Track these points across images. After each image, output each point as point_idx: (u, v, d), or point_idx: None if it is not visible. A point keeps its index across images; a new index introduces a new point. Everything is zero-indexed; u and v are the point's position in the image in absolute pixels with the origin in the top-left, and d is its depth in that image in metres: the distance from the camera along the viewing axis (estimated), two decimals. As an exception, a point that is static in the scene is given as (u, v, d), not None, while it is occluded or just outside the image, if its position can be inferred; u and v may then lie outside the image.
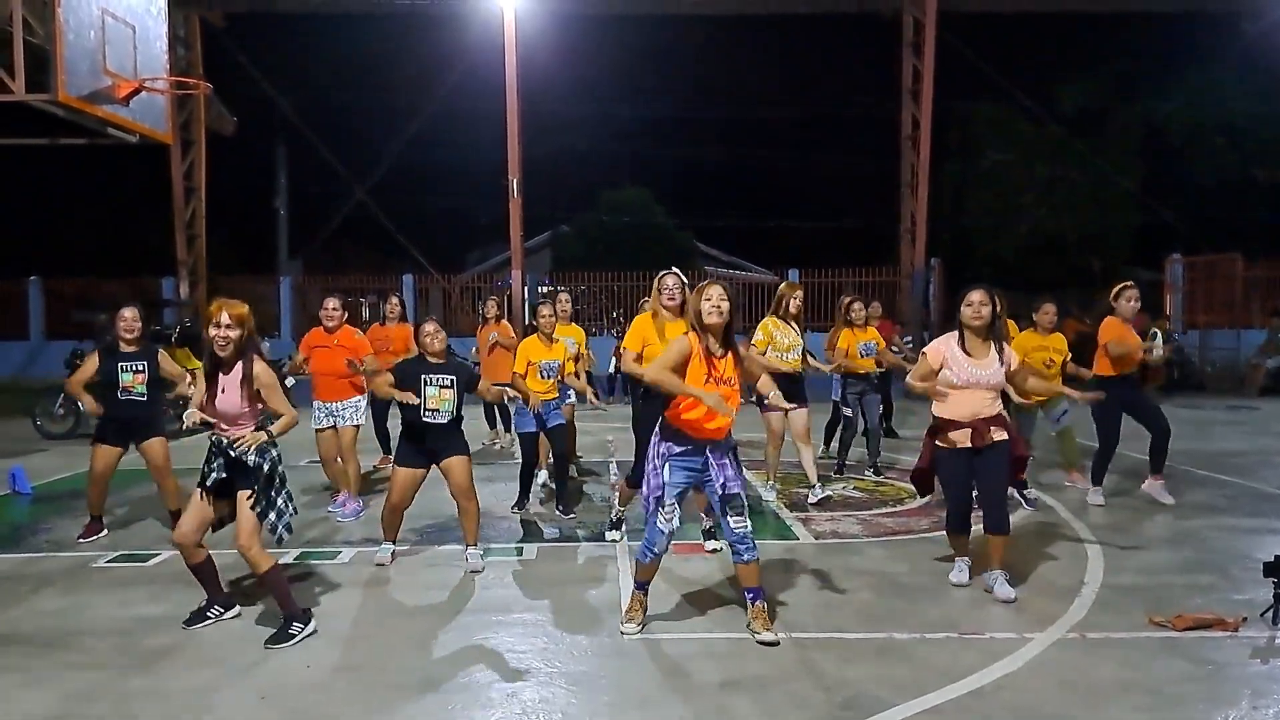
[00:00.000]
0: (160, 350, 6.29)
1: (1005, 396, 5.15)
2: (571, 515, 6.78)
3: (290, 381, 8.05)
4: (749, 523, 4.28)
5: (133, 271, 20.91)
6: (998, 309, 4.85)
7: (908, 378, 5.13)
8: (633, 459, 6.00)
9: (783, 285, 7.18)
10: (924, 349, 5.09)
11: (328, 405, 6.87)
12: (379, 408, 8.59)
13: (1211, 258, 19.68)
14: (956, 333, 4.88)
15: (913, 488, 7.58)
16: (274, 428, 4.41)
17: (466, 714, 3.59)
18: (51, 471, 8.86)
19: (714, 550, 5.71)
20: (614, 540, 6.03)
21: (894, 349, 9.68)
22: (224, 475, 4.36)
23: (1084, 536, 6.13)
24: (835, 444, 8.71)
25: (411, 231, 22.64)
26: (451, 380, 5.35)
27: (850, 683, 3.80)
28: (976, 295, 4.83)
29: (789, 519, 6.70)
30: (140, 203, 24.68)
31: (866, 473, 8.34)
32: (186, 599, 4.75)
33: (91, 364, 6.05)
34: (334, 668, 4.01)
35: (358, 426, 6.94)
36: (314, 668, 4.00)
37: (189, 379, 6.08)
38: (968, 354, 4.82)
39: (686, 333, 4.31)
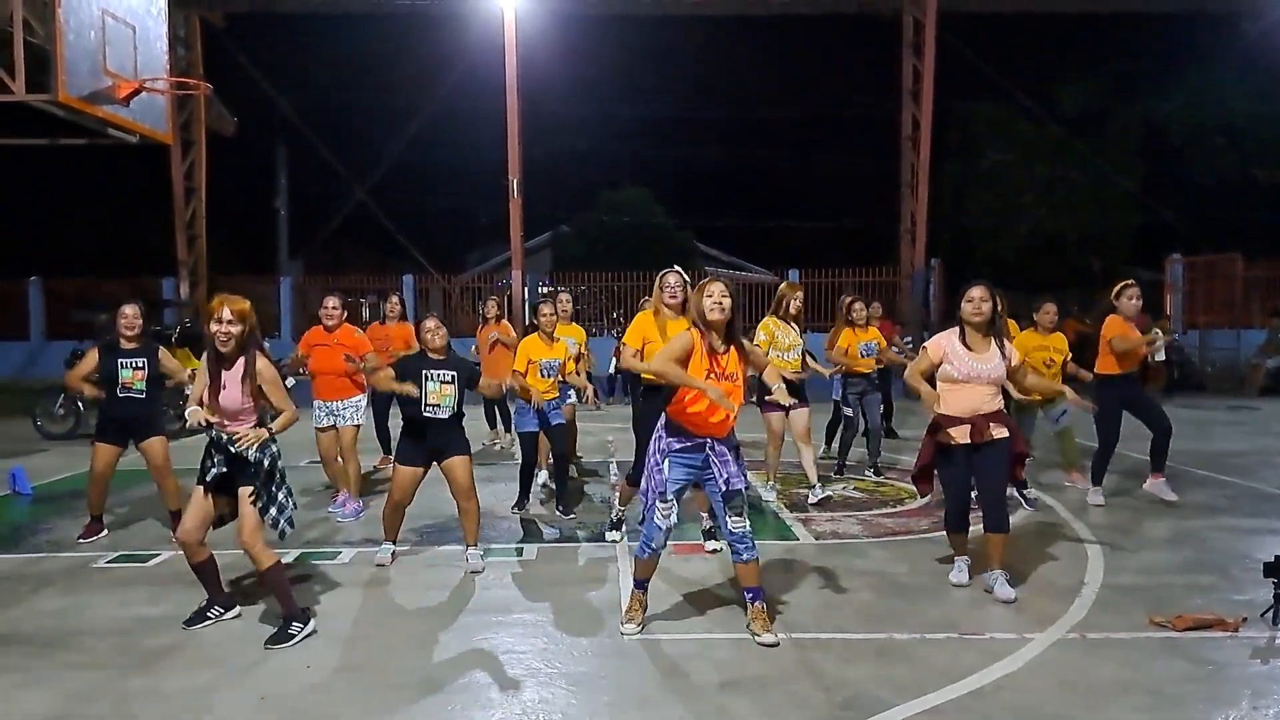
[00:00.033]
0: (160, 347, 6.29)
1: (1006, 395, 5.15)
2: (572, 516, 6.78)
3: (290, 382, 8.04)
4: (748, 522, 4.28)
5: (133, 272, 20.91)
6: (998, 306, 4.85)
7: (906, 372, 5.13)
8: (633, 459, 6.00)
9: (783, 285, 7.18)
10: (924, 343, 5.09)
11: (328, 404, 6.87)
12: (380, 408, 8.59)
13: (1211, 258, 19.69)
14: (957, 329, 4.88)
15: (913, 488, 7.61)
16: (275, 424, 4.42)
17: (466, 714, 3.59)
18: (52, 472, 8.86)
19: (714, 550, 5.71)
20: (614, 541, 6.03)
21: (894, 349, 9.67)
22: (224, 471, 4.36)
23: (1084, 536, 6.13)
24: (836, 444, 8.71)
25: (412, 232, 22.67)
26: (452, 376, 5.35)
27: (850, 683, 3.80)
28: (977, 291, 4.83)
29: (789, 519, 6.70)
30: (140, 203, 24.69)
31: (867, 473, 8.34)
32: (186, 599, 4.76)
33: (91, 359, 6.05)
34: (334, 668, 4.01)
35: (358, 426, 6.94)
36: (314, 668, 4.00)
37: (188, 374, 6.09)
38: (968, 348, 4.82)
39: (689, 329, 4.31)
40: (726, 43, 27.60)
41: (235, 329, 4.33)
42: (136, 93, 11.02)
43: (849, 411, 8.22)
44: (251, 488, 4.35)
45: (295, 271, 23.70)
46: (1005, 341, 4.91)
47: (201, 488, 4.42)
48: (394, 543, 5.61)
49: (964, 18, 19.62)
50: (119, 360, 5.97)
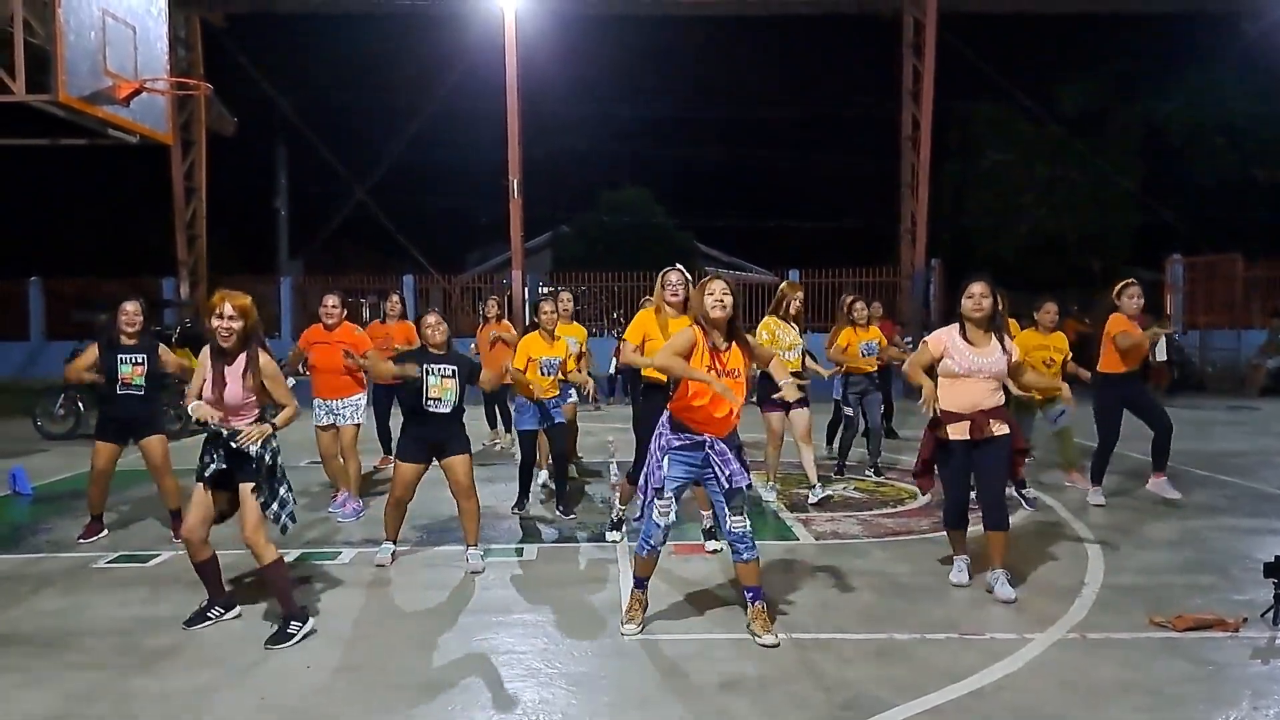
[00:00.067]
0: (160, 344, 6.30)
1: (1006, 393, 5.14)
2: (572, 516, 6.77)
3: (290, 382, 8.04)
4: (748, 522, 4.28)
5: (133, 272, 20.90)
6: (999, 302, 4.85)
7: (905, 364, 5.13)
8: (633, 459, 6.00)
9: (783, 285, 7.18)
10: (925, 338, 5.09)
11: (328, 403, 6.87)
12: (381, 407, 8.58)
13: (1212, 258, 19.67)
14: (958, 325, 4.88)
15: (913, 488, 7.62)
16: (278, 419, 4.42)
17: (466, 714, 3.58)
18: (52, 472, 8.86)
19: (714, 551, 5.71)
20: (614, 541, 6.02)
21: (894, 348, 9.66)
22: (223, 467, 4.36)
23: (1084, 536, 6.13)
24: (836, 444, 8.71)
25: (412, 232, 22.65)
26: (453, 370, 5.36)
27: (851, 683, 3.80)
28: (977, 287, 4.83)
29: (789, 519, 6.70)
30: (140, 203, 24.69)
31: (867, 473, 8.34)
32: (187, 599, 4.76)
33: (91, 353, 6.05)
34: (334, 668, 4.01)
35: (358, 425, 6.94)
36: (314, 668, 4.00)
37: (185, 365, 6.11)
38: (969, 343, 4.82)
39: (691, 326, 4.31)
40: (726, 43, 27.62)
41: (237, 324, 4.33)
42: (137, 93, 11.02)
43: (849, 411, 8.22)
44: (253, 483, 4.35)
45: (295, 271, 23.69)
46: (1006, 337, 4.91)
47: (201, 485, 4.42)
48: (394, 542, 5.61)
49: (964, 18, 19.61)
50: (118, 356, 5.97)
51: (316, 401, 6.87)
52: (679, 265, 5.74)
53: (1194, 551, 5.77)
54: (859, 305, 8.12)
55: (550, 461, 7.28)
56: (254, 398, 4.37)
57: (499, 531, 6.41)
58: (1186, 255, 20.11)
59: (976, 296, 4.81)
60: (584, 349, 7.51)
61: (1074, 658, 4.07)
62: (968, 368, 4.78)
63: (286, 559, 5.36)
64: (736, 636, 4.30)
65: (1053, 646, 4.18)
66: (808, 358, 7.31)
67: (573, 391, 7.56)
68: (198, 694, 3.73)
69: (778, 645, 4.17)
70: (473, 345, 9.70)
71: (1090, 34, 24.09)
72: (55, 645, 4.29)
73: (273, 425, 4.37)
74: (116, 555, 5.84)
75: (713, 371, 4.17)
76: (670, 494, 4.30)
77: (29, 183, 24.29)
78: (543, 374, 6.57)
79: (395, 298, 8.97)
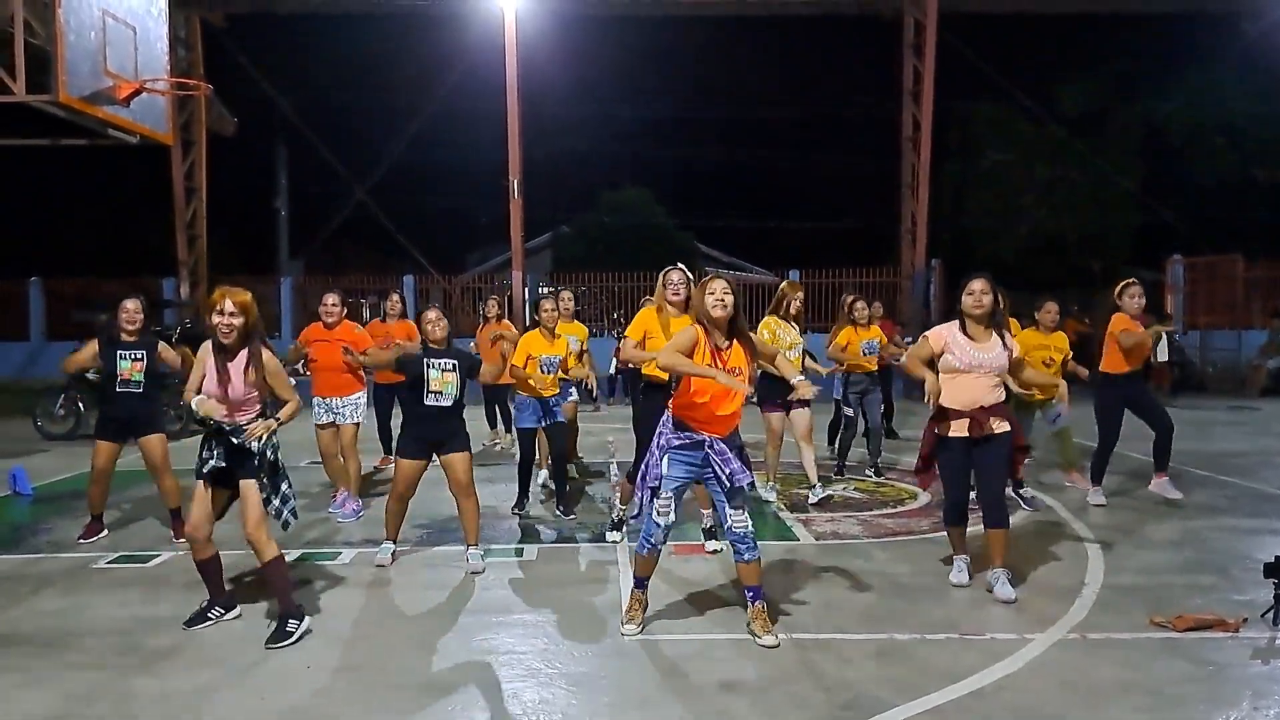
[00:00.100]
0: (160, 341, 6.30)
1: (1006, 391, 5.13)
2: (572, 516, 6.77)
3: (290, 382, 8.05)
4: (750, 522, 4.28)
5: (133, 272, 20.89)
6: (999, 299, 4.84)
7: (904, 357, 5.11)
8: (633, 459, 6.00)
9: (784, 285, 7.18)
10: (925, 333, 5.08)
11: (327, 401, 6.87)
12: (382, 407, 8.58)
13: (1212, 258, 19.66)
14: (958, 321, 4.87)
15: (914, 489, 7.63)
16: (281, 414, 4.43)
17: (466, 714, 3.58)
18: (52, 472, 8.86)
19: (714, 551, 5.71)
20: (614, 541, 6.02)
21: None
22: (222, 465, 4.36)
23: (1084, 536, 6.13)
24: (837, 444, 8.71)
25: (412, 232, 22.65)
26: (454, 364, 5.38)
27: (851, 683, 3.80)
28: (978, 284, 4.82)
29: (789, 520, 6.70)
30: (140, 203, 24.69)
31: (867, 472, 8.34)
32: (187, 599, 4.76)
33: (91, 348, 6.07)
34: (334, 668, 4.01)
35: (358, 424, 6.94)
36: (314, 668, 4.00)
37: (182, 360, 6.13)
38: (970, 338, 4.81)
39: (692, 325, 4.30)
40: (726, 43, 27.61)
41: (238, 321, 4.34)
42: (137, 93, 11.03)
43: (849, 411, 8.22)
44: (255, 480, 4.35)
45: (295, 272, 23.70)
46: (1006, 334, 4.90)
47: (202, 483, 4.42)
48: (394, 541, 5.61)
49: (964, 18, 19.60)
50: (118, 352, 5.98)
51: (316, 400, 6.87)
52: (680, 265, 5.73)
53: (1194, 552, 5.77)
54: (860, 305, 8.12)
55: (550, 461, 7.28)
56: (256, 393, 4.38)
57: (499, 531, 6.41)
58: (1187, 255, 20.10)
59: (977, 293, 4.80)
60: (585, 347, 7.50)
61: (1074, 658, 4.06)
62: (969, 363, 4.77)
63: (287, 559, 5.38)
64: (737, 637, 4.30)
65: (1053, 647, 4.18)
66: (807, 358, 7.31)
67: (573, 390, 7.56)
68: (198, 694, 3.73)
69: (778, 646, 4.17)
70: (472, 344, 9.71)
71: (1090, 34, 24.09)
72: (55, 645, 4.29)
73: (276, 420, 4.38)
74: (116, 555, 5.84)
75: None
76: (670, 494, 4.30)
77: (29, 183, 24.29)
78: (543, 372, 6.57)
79: (395, 297, 8.98)
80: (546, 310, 6.71)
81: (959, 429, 4.82)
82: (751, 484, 4.30)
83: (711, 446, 4.25)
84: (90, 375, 6.09)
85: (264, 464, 4.38)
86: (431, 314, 5.46)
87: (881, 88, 21.50)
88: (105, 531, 6.29)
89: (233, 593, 4.75)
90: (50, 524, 6.79)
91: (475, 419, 7.18)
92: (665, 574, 5.09)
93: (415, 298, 20.11)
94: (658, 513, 4.31)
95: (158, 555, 5.81)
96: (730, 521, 4.24)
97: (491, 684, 3.84)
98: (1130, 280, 6.88)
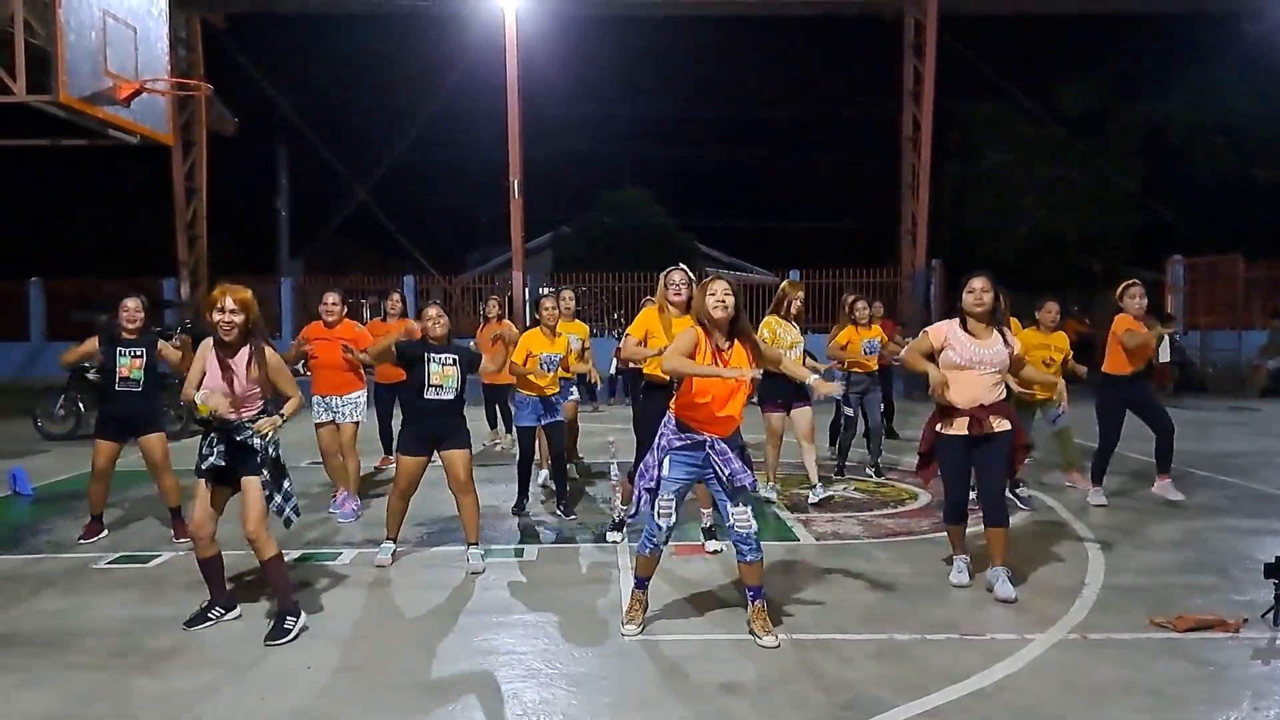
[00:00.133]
0: (160, 340, 6.31)
1: (1007, 390, 5.12)
2: (572, 516, 6.77)
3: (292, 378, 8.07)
4: (754, 523, 4.27)
5: (133, 272, 20.90)
6: (1000, 298, 4.83)
7: (904, 352, 5.10)
8: (634, 459, 5.99)
9: (784, 284, 7.18)
10: (925, 328, 5.07)
11: (327, 400, 6.87)
12: (383, 407, 8.57)
13: (1213, 259, 19.67)
14: (958, 319, 4.86)
15: (914, 489, 7.63)
16: (285, 410, 4.45)
17: (467, 715, 3.58)
18: (52, 473, 8.86)
19: (714, 551, 5.70)
20: (615, 541, 6.02)
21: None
22: (221, 464, 4.36)
23: (1085, 537, 6.13)
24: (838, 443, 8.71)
25: (412, 232, 22.68)
26: (454, 359, 5.38)
27: (851, 684, 3.79)
28: (978, 282, 4.81)
29: (790, 520, 6.70)
30: (141, 203, 24.71)
31: (868, 472, 8.34)
32: (187, 600, 4.76)
33: (91, 344, 6.07)
34: (334, 668, 4.01)
35: (357, 423, 6.94)
36: (314, 668, 4.00)
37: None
38: (970, 334, 4.79)
39: (693, 326, 4.30)
40: (726, 43, 27.64)
41: (238, 318, 4.35)
42: (137, 93, 11.04)
43: (849, 411, 8.22)
44: (258, 477, 4.36)
45: (296, 272, 23.71)
46: (1007, 331, 4.89)
47: (203, 480, 4.42)
48: (395, 541, 5.61)
49: (964, 19, 19.62)
50: (118, 349, 5.98)
51: (316, 399, 6.86)
52: (682, 265, 5.73)
53: (1195, 552, 5.77)
54: (861, 304, 8.12)
55: (550, 461, 7.28)
56: (258, 390, 4.39)
57: (499, 532, 6.40)
58: (1187, 256, 20.11)
59: (977, 291, 4.79)
60: (586, 345, 7.50)
61: (1074, 658, 4.06)
62: (969, 358, 4.75)
63: (287, 559, 5.38)
64: (737, 637, 4.29)
65: (1053, 647, 4.18)
66: (807, 358, 7.30)
67: (574, 389, 7.55)
68: (198, 694, 3.73)
69: (778, 646, 4.16)
70: (472, 344, 9.71)
71: (1090, 34, 24.12)
72: (55, 645, 4.29)
73: (281, 417, 4.39)
74: (117, 556, 5.84)
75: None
76: (672, 496, 4.30)
77: (29, 183, 24.32)
78: (543, 369, 6.56)
79: (396, 296, 8.99)
80: (547, 308, 6.71)
81: (959, 427, 4.81)
82: (754, 484, 4.30)
83: (713, 447, 4.24)
84: (90, 375, 6.09)
85: (267, 460, 4.39)
86: (432, 311, 5.47)
87: (881, 88, 21.53)
88: (105, 531, 6.29)
89: (233, 593, 4.75)
90: (50, 524, 6.79)
91: (475, 419, 7.18)
92: (666, 574, 5.09)
93: (415, 298, 20.11)
94: (660, 514, 4.30)
95: (158, 555, 5.81)
96: (733, 520, 4.23)
97: (492, 684, 3.84)
98: (1132, 281, 6.88)
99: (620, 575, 5.30)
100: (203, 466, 4.39)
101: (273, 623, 4.34)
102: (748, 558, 4.25)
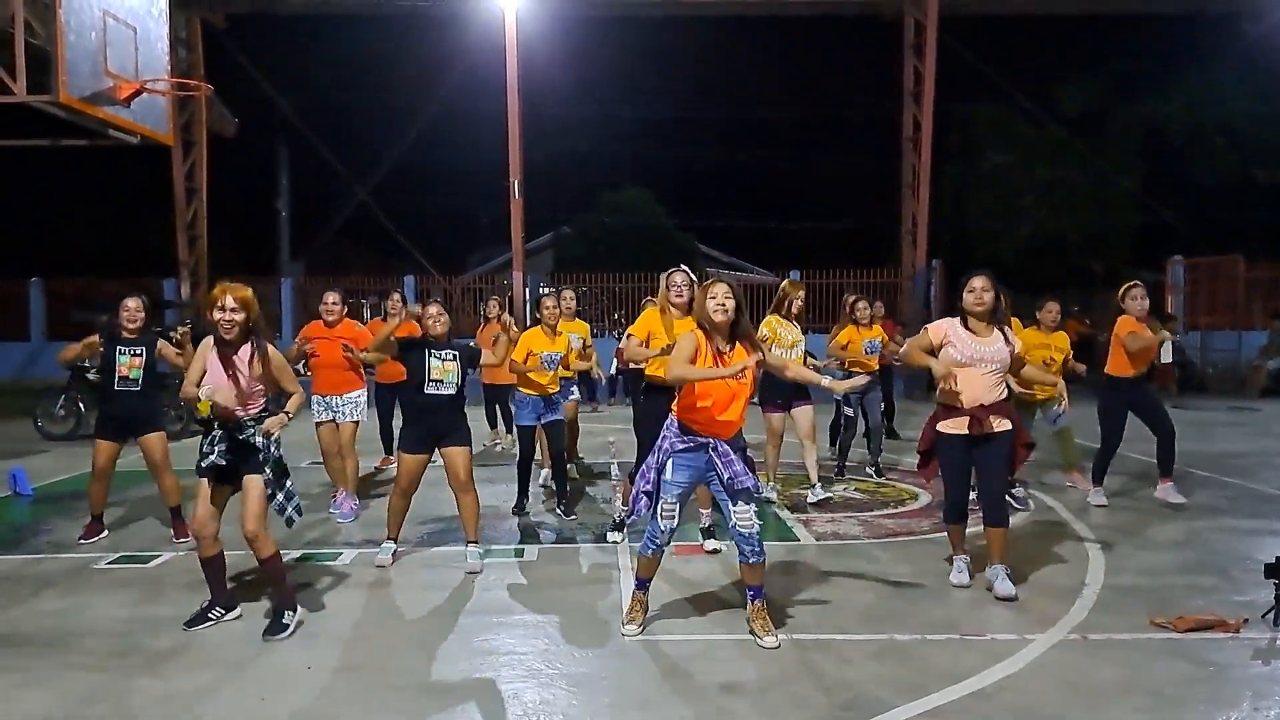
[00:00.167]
0: (160, 339, 6.31)
1: (1007, 390, 5.12)
2: (572, 516, 6.77)
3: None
4: (757, 524, 4.26)
5: (133, 272, 20.89)
6: (1000, 297, 4.83)
7: (904, 348, 5.09)
8: (634, 460, 5.99)
9: (785, 284, 7.18)
10: (926, 325, 5.06)
11: (326, 399, 6.87)
12: (384, 407, 8.57)
13: (1213, 259, 19.66)
14: (959, 317, 4.85)
15: (914, 489, 7.63)
16: (288, 406, 4.46)
17: (467, 715, 3.58)
18: (52, 473, 8.86)
19: (714, 550, 5.70)
20: (615, 542, 6.02)
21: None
22: (222, 463, 4.36)
23: (1085, 537, 6.13)
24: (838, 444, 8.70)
25: (413, 232, 22.67)
26: (454, 355, 5.40)
27: (851, 684, 3.79)
28: (979, 281, 4.80)
29: (790, 520, 6.70)
30: (141, 204, 24.71)
31: (868, 472, 8.34)
32: (187, 600, 4.76)
33: (90, 340, 6.07)
34: (334, 668, 4.01)
35: (357, 423, 6.93)
36: (314, 668, 4.00)
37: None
38: (971, 332, 4.79)
39: (694, 330, 4.30)
40: (726, 43, 27.62)
41: (239, 316, 4.36)
42: (137, 94, 11.04)
43: (849, 411, 8.22)
44: (260, 476, 4.36)
45: (296, 272, 23.71)
46: (1008, 329, 4.89)
47: (204, 479, 4.42)
48: (395, 541, 5.60)
49: (964, 19, 19.62)
50: (117, 348, 5.98)
51: (315, 398, 6.86)
52: (684, 266, 5.72)
53: (1195, 552, 5.76)
54: (862, 305, 8.12)
55: (551, 460, 7.28)
56: (261, 387, 4.40)
57: (499, 532, 6.40)
58: (1187, 256, 20.10)
59: (978, 290, 4.78)
60: (587, 343, 7.50)
61: (1075, 658, 4.06)
62: (970, 355, 4.74)
63: (286, 559, 5.38)
64: (737, 637, 4.29)
65: (1053, 647, 4.18)
66: (807, 357, 7.30)
67: (574, 389, 7.55)
68: (198, 695, 3.73)
69: (779, 646, 4.16)
70: (472, 344, 9.72)
71: (1090, 34, 24.11)
72: (55, 645, 4.29)
73: (287, 415, 4.40)
74: (117, 556, 5.84)
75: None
76: (674, 499, 4.29)
77: (29, 183, 24.32)
78: (544, 368, 6.56)
79: (396, 296, 8.96)
80: (548, 307, 6.71)
81: (959, 426, 4.81)
82: (756, 487, 4.29)
83: (715, 449, 4.24)
84: (90, 375, 6.09)
85: (269, 459, 4.40)
86: (433, 309, 5.47)
87: (882, 88, 21.52)
88: (105, 532, 6.29)
89: (233, 593, 4.75)
90: (50, 524, 6.79)
91: (475, 419, 7.18)
92: (666, 574, 5.08)
93: (416, 298, 20.12)
94: (662, 516, 4.30)
95: (158, 555, 5.81)
96: (736, 520, 4.22)
97: (492, 685, 3.84)
98: (1134, 283, 6.88)
99: (621, 575, 5.30)
100: (204, 465, 4.38)
101: (270, 618, 4.35)
102: (750, 560, 4.24)
